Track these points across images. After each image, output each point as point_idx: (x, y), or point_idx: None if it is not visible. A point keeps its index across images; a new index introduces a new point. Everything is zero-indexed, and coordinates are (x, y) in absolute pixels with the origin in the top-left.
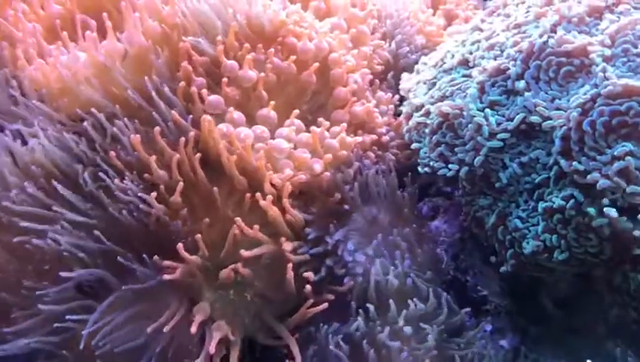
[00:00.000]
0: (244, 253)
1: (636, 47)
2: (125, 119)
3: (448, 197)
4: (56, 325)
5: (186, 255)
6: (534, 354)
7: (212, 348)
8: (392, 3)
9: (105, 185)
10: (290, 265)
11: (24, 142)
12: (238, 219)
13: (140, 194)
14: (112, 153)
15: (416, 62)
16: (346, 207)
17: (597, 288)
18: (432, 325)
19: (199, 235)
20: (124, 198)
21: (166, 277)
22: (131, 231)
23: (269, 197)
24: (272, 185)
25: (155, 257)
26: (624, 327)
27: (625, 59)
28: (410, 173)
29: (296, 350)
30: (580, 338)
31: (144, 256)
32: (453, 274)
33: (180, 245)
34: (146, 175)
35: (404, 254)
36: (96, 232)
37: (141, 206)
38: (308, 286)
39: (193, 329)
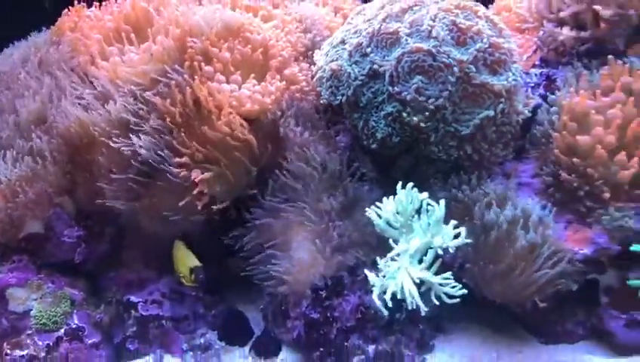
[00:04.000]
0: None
1: (421, 27)
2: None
3: (344, 125)
4: None
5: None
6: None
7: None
8: (309, 10)
9: None
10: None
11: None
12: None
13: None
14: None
15: None
16: (281, 129)
17: (420, 162)
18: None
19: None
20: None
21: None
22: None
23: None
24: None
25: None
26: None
27: (417, 35)
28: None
29: None
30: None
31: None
32: (347, 162)
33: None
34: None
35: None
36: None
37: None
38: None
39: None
